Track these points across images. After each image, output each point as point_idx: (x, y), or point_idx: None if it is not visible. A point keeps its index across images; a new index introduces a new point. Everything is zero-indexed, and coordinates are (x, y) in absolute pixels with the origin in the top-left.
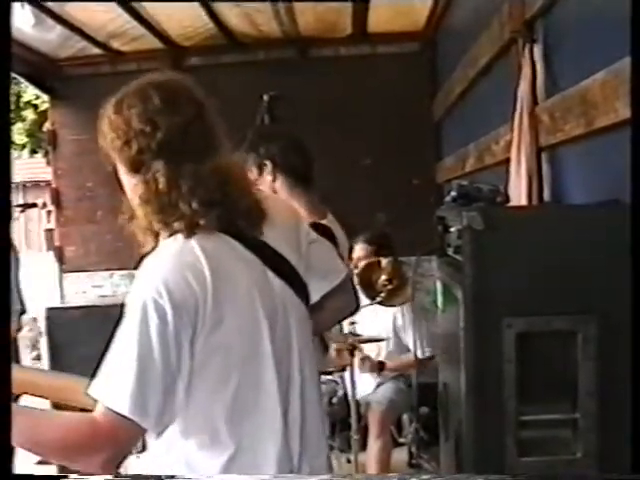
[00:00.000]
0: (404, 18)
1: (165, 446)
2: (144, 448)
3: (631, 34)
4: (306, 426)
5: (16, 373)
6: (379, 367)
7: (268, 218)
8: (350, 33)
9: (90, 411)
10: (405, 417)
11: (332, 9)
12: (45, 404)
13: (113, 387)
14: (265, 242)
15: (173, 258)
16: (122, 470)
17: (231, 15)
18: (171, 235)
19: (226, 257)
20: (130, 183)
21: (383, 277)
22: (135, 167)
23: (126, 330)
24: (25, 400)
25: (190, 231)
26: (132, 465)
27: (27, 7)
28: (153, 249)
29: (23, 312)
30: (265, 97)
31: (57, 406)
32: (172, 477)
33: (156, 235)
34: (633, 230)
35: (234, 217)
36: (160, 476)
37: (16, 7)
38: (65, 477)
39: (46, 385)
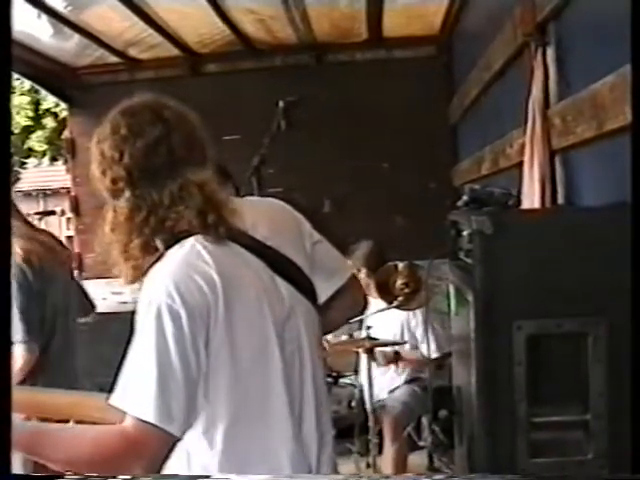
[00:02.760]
0: (419, 22)
1: (181, 450)
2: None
3: (631, 35)
4: (321, 427)
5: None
6: (395, 358)
7: (271, 223)
8: (366, 38)
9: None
10: (425, 420)
11: (347, 15)
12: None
13: (136, 395)
14: (270, 246)
15: (182, 263)
16: None
17: (246, 22)
18: (174, 245)
19: (233, 262)
20: (110, 209)
21: (400, 281)
22: (113, 194)
23: (142, 338)
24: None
25: (195, 237)
26: None
27: (45, 17)
28: (157, 260)
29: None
30: (281, 103)
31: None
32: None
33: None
34: (633, 232)
35: (223, 220)
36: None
37: (33, 17)
38: (61, 477)
39: (69, 405)
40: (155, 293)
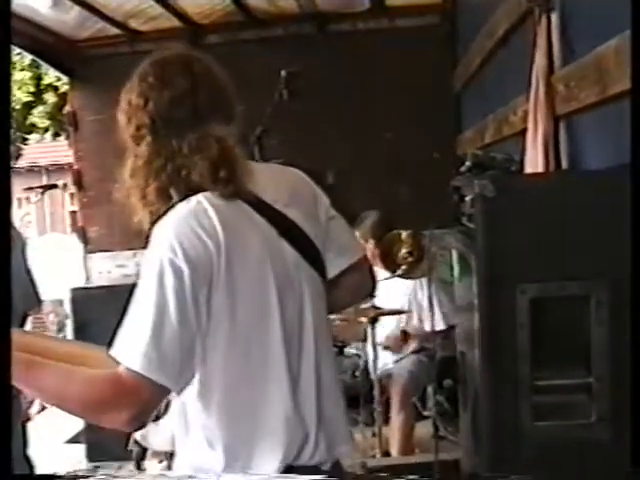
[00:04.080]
0: None
1: (178, 411)
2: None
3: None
4: (322, 397)
5: (37, 341)
6: (404, 338)
7: (287, 190)
8: (368, 7)
9: None
10: (430, 390)
11: None
12: None
13: (131, 346)
14: (282, 213)
15: (186, 218)
16: (140, 438)
17: None
18: (184, 198)
19: (240, 222)
20: (130, 155)
21: (404, 250)
22: (135, 141)
23: (144, 290)
24: None
25: (204, 193)
26: (153, 440)
27: None
28: (158, 216)
29: (39, 302)
30: (283, 73)
31: None
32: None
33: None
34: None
35: (244, 183)
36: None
37: None
38: (60, 477)
39: (67, 353)
40: (158, 246)
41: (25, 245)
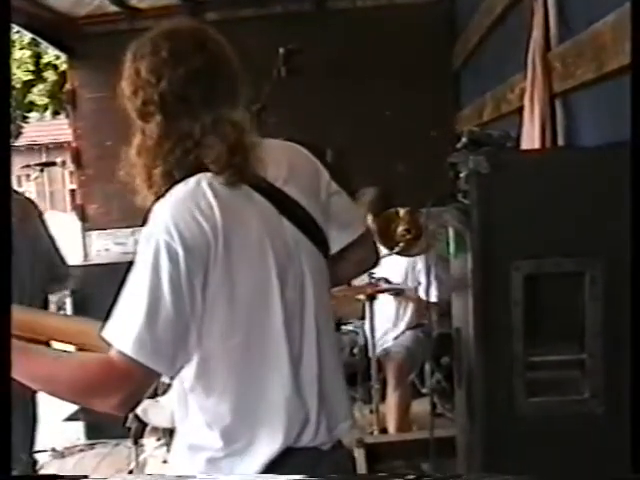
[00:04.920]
0: None
1: (178, 392)
2: (159, 393)
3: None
4: (324, 378)
5: (39, 318)
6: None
7: (286, 166)
8: None
9: None
10: (427, 367)
11: None
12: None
13: (124, 329)
14: (281, 190)
15: (184, 200)
16: (141, 413)
17: None
18: (179, 181)
19: (238, 202)
20: (138, 132)
21: (401, 227)
22: (142, 117)
23: (138, 273)
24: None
25: (202, 173)
26: (153, 417)
27: None
28: (161, 196)
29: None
30: (281, 50)
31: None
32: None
33: (158, 185)
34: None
35: (249, 163)
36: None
37: None
38: (61, 477)
39: (68, 329)
40: (155, 228)
41: (42, 215)
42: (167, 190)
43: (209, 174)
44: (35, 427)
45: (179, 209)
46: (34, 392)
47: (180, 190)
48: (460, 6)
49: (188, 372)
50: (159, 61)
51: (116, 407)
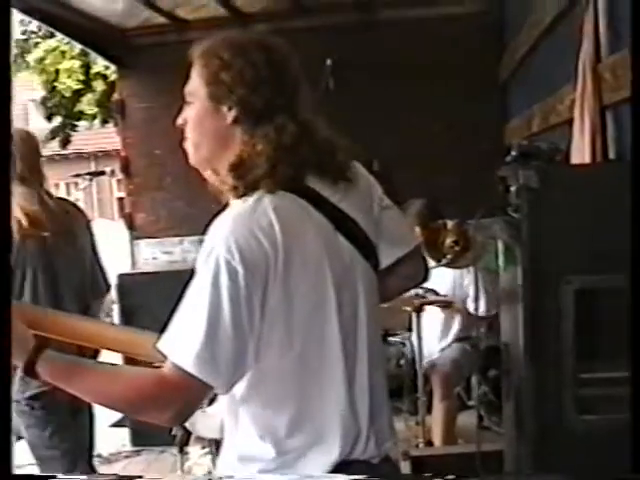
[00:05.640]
0: None
1: (228, 402)
2: (211, 402)
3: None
4: (374, 391)
5: (89, 326)
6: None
7: (344, 183)
8: None
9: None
10: (474, 380)
11: None
12: (118, 359)
13: (183, 344)
14: (336, 205)
15: (245, 218)
16: (189, 425)
17: None
18: (242, 195)
19: (297, 218)
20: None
21: (449, 239)
22: (226, 129)
23: (198, 289)
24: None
25: (265, 190)
26: (200, 426)
27: None
28: (224, 209)
29: (108, 288)
30: (329, 61)
31: (130, 361)
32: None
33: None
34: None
35: (308, 177)
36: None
37: None
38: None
39: (120, 339)
40: (216, 245)
41: (90, 224)
42: (226, 206)
43: (268, 190)
44: (93, 434)
45: (239, 226)
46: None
47: (241, 207)
48: (508, 17)
49: (241, 384)
50: (250, 69)
51: (170, 420)
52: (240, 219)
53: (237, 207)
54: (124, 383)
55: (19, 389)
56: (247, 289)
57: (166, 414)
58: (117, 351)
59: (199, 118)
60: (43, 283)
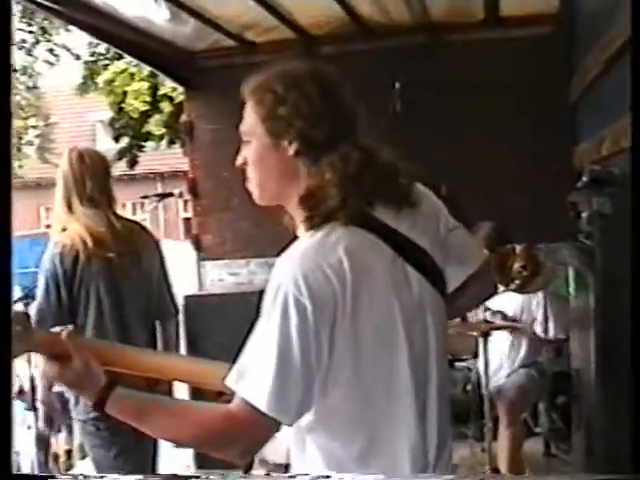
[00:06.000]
0: (537, 1)
1: (295, 430)
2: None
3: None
4: (441, 422)
5: (157, 358)
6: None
7: (411, 210)
8: (483, 17)
9: (226, 395)
10: (541, 406)
11: None
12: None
13: (252, 382)
14: (404, 235)
15: (313, 253)
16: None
17: (362, 3)
18: (312, 228)
19: (366, 254)
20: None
21: (517, 264)
22: (289, 163)
23: (266, 325)
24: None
25: (337, 223)
26: (267, 450)
27: (162, 2)
28: (292, 242)
29: (176, 312)
30: (397, 84)
31: (198, 391)
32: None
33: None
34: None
35: (374, 207)
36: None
37: (151, 2)
38: (57, 478)
39: (188, 370)
40: (284, 281)
41: (158, 244)
42: (293, 238)
43: (337, 224)
44: (157, 456)
45: (308, 262)
46: None
47: (309, 241)
48: (577, 38)
49: (307, 415)
50: (304, 101)
51: (237, 457)
52: (309, 254)
53: (305, 241)
54: (192, 420)
55: (85, 409)
56: (315, 325)
57: (233, 451)
58: (185, 382)
59: (260, 156)
60: (108, 304)
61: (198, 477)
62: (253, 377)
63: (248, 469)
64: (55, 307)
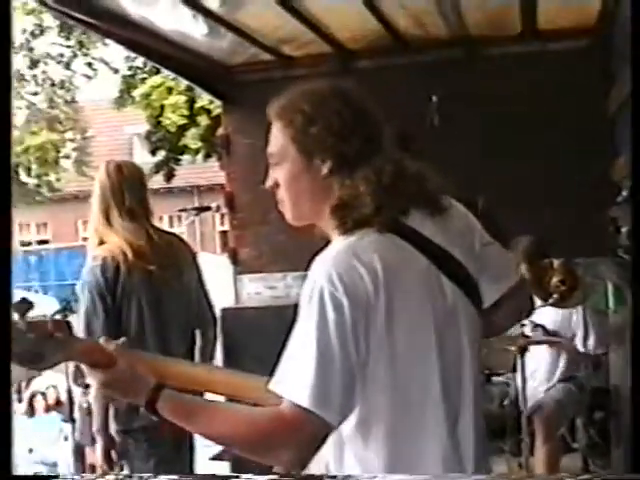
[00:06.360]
0: (575, 13)
1: (334, 442)
2: None
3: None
4: (478, 434)
5: (197, 370)
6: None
7: (445, 221)
8: (520, 30)
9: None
10: (579, 421)
11: (501, 6)
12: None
13: (294, 381)
14: (437, 244)
15: (346, 253)
16: None
17: (398, 16)
18: (345, 233)
19: (398, 257)
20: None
21: (556, 278)
22: (321, 178)
23: (304, 324)
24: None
25: (370, 229)
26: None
27: (200, 17)
28: (327, 245)
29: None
30: (434, 98)
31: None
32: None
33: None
34: None
35: (408, 216)
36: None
37: (189, 17)
38: (58, 477)
39: (227, 382)
40: (319, 280)
41: (196, 256)
42: (326, 243)
43: (371, 229)
44: (193, 468)
45: (342, 262)
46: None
47: (342, 244)
48: (616, 51)
49: (348, 425)
50: (337, 120)
51: (289, 462)
52: (342, 254)
53: (338, 244)
54: (242, 420)
55: (124, 420)
56: (352, 319)
57: (285, 454)
58: (224, 394)
59: (293, 177)
60: (149, 315)
61: (237, 477)
62: (294, 376)
63: None
64: (103, 318)
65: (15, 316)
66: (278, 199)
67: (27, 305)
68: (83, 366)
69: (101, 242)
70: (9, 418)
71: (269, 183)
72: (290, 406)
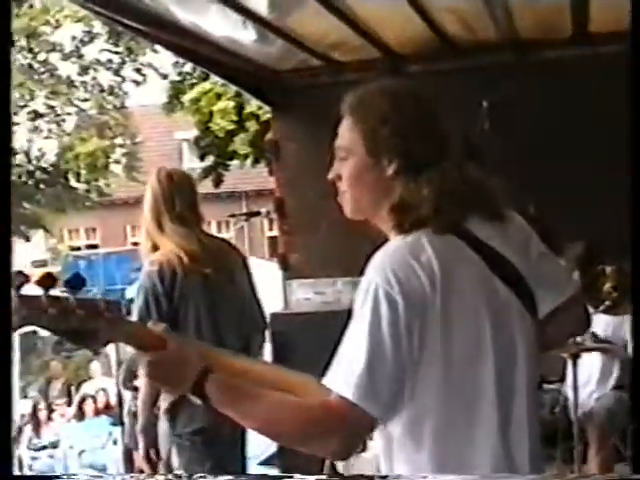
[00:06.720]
0: (627, 16)
1: (383, 446)
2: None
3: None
4: (533, 436)
5: (249, 364)
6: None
7: (498, 225)
8: (570, 34)
9: None
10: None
11: (550, 9)
12: None
13: (344, 374)
14: (494, 249)
15: (403, 251)
16: (342, 468)
17: (447, 21)
18: (402, 233)
19: (455, 258)
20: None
21: (608, 285)
22: (385, 180)
23: (358, 320)
24: None
25: (428, 229)
26: (354, 465)
27: (249, 23)
28: (379, 247)
29: (264, 326)
30: (485, 103)
31: None
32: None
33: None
34: None
35: (466, 220)
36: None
37: (238, 23)
38: (59, 477)
39: (279, 379)
40: (374, 277)
41: (246, 261)
42: (382, 243)
43: (428, 230)
44: (244, 472)
45: (398, 260)
46: (243, 431)
47: (398, 242)
48: None
49: (398, 425)
50: (404, 121)
51: (335, 453)
52: (398, 253)
53: (395, 242)
54: (289, 407)
55: (182, 423)
56: (406, 318)
57: (331, 444)
58: (272, 388)
59: (358, 173)
60: (205, 318)
61: (291, 477)
62: (344, 370)
63: None
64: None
65: (66, 292)
66: (338, 191)
67: (52, 280)
68: (131, 348)
69: (154, 247)
70: (9, 418)
71: (331, 175)
72: (337, 398)
